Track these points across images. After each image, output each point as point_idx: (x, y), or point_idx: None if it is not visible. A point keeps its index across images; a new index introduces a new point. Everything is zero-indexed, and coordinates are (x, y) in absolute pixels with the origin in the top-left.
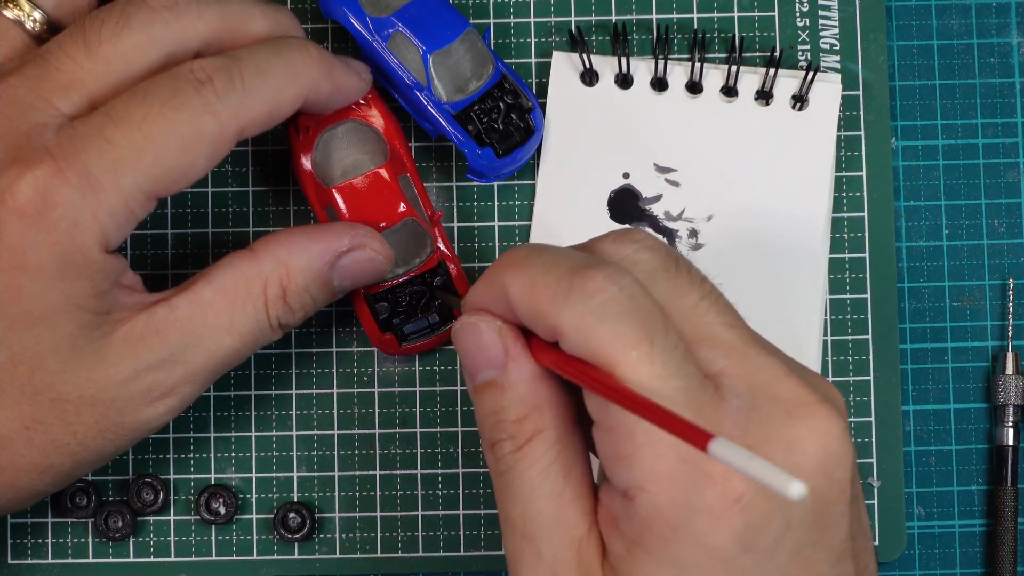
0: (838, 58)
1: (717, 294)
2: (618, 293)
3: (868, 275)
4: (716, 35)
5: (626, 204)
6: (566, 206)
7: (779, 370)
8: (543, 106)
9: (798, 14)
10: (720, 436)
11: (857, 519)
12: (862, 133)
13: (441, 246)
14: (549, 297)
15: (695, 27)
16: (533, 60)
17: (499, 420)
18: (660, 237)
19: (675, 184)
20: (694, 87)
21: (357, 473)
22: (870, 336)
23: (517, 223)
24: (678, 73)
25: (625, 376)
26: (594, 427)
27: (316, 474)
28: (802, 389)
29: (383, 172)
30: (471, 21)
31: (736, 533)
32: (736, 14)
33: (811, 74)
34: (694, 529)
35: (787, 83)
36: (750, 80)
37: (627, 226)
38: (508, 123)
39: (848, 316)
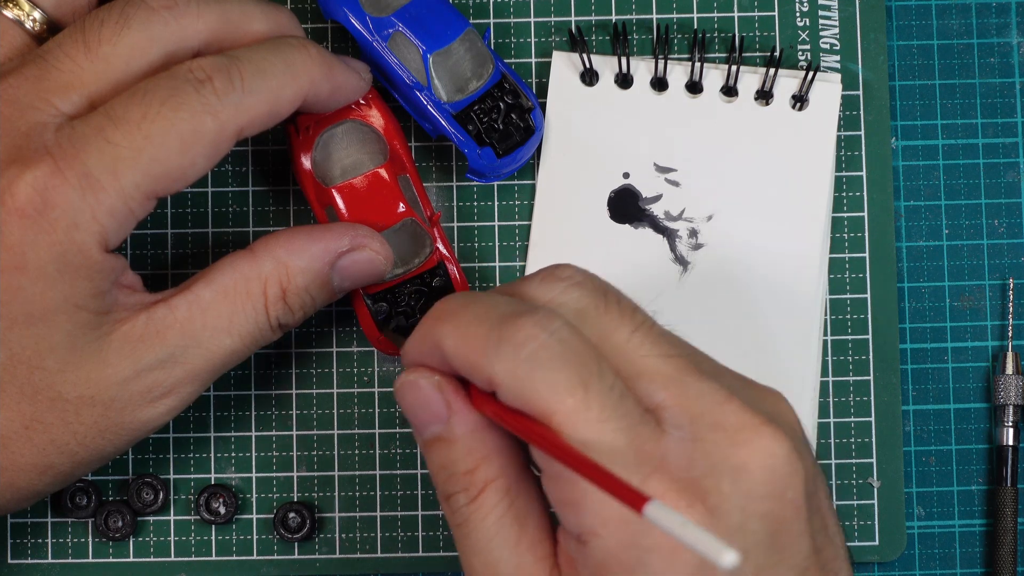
0: (838, 58)
1: (650, 324)
2: (548, 339)
3: (868, 275)
4: (716, 35)
5: (626, 204)
6: (566, 206)
7: (719, 395)
8: (543, 106)
9: (798, 14)
10: (669, 475)
11: (821, 531)
12: (862, 133)
13: (440, 247)
14: (481, 350)
15: (695, 27)
16: (533, 60)
17: (450, 474)
18: (661, 239)
19: (675, 184)
20: (694, 87)
21: (357, 473)
22: (870, 336)
23: (517, 223)
24: (678, 73)
25: (562, 425)
26: (542, 475)
27: (316, 474)
28: (743, 412)
29: (383, 172)
30: (471, 21)
31: (691, 568)
32: (736, 14)
33: (811, 74)
34: (648, 570)
35: (787, 83)
36: (750, 80)
37: (633, 231)
38: (508, 123)
39: (848, 316)
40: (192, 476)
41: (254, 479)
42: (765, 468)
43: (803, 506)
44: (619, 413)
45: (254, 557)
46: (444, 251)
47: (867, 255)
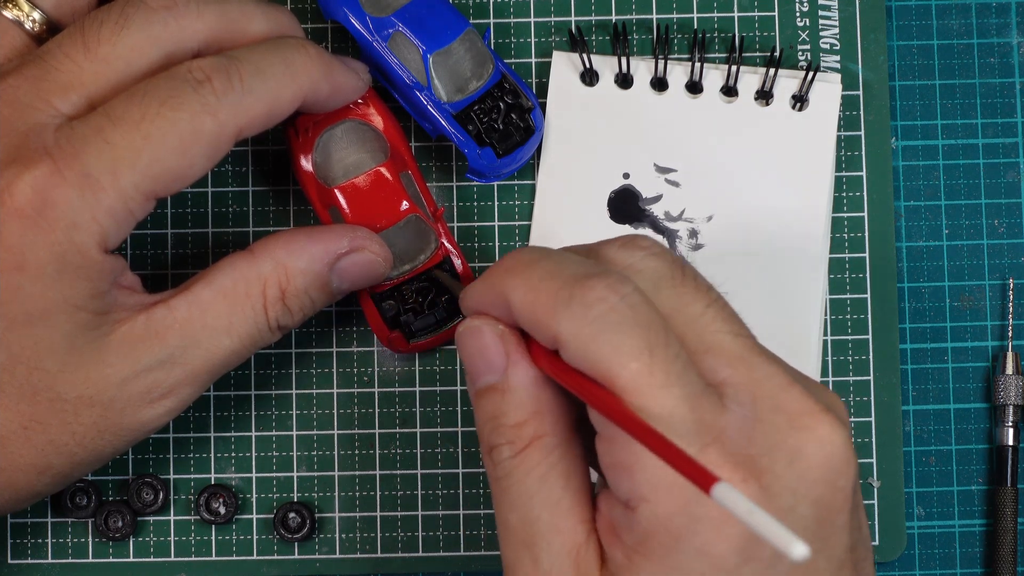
0: (838, 58)
1: (722, 303)
2: (619, 303)
3: (868, 275)
4: (716, 35)
5: (626, 204)
6: (566, 206)
7: (783, 379)
8: (543, 106)
9: (798, 14)
10: (727, 450)
11: (858, 529)
12: (862, 133)
13: (445, 242)
14: (550, 306)
15: (695, 27)
16: (533, 60)
17: (498, 424)
18: (662, 239)
19: (675, 184)
20: (694, 87)
21: (357, 473)
22: (870, 336)
23: (517, 223)
24: (678, 73)
25: (624, 389)
26: (596, 436)
27: (316, 474)
28: (806, 399)
29: (384, 170)
30: (471, 21)
31: (738, 543)
32: (736, 14)
33: (811, 74)
34: (696, 539)
35: (787, 83)
36: (750, 80)
37: (633, 231)
38: (508, 123)
39: (848, 316)
40: (192, 476)
41: (254, 479)
42: (822, 455)
43: (850, 499)
44: (682, 381)
45: (254, 557)
46: (449, 246)
47: (867, 255)
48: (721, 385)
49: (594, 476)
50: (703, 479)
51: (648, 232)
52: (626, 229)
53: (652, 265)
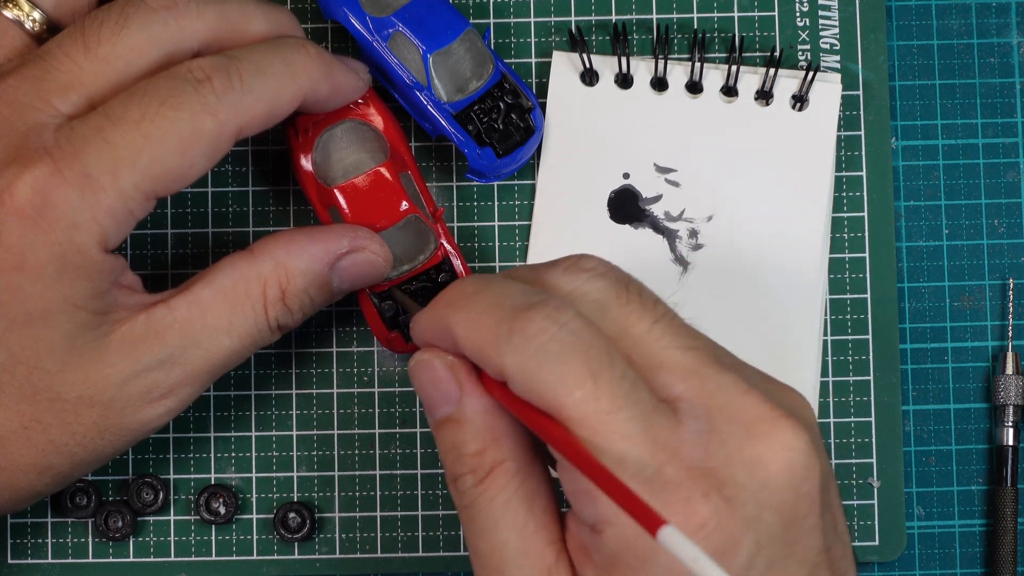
0: (838, 58)
1: (671, 316)
2: (558, 332)
3: (868, 275)
4: (716, 35)
5: (626, 204)
6: (566, 206)
7: (738, 387)
8: (543, 106)
9: (798, 14)
10: (686, 464)
11: (832, 528)
12: (862, 133)
13: (444, 242)
14: (492, 340)
15: (695, 27)
16: (533, 60)
17: (459, 455)
18: (662, 239)
19: (675, 184)
20: (694, 87)
21: (357, 473)
22: (870, 336)
23: (517, 223)
24: (678, 73)
25: (572, 418)
26: (557, 463)
27: (316, 474)
28: (762, 405)
29: (384, 170)
30: (471, 21)
31: None
32: (736, 14)
33: (811, 74)
34: (663, 558)
35: (787, 83)
36: (750, 80)
37: (633, 231)
38: (508, 123)
39: (848, 316)
40: (192, 476)
41: (254, 479)
42: (782, 461)
43: (817, 501)
44: (631, 402)
45: (254, 557)
46: (448, 246)
47: (867, 255)
48: (675, 400)
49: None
50: (650, 520)
51: (648, 232)
52: (626, 229)
53: (597, 287)
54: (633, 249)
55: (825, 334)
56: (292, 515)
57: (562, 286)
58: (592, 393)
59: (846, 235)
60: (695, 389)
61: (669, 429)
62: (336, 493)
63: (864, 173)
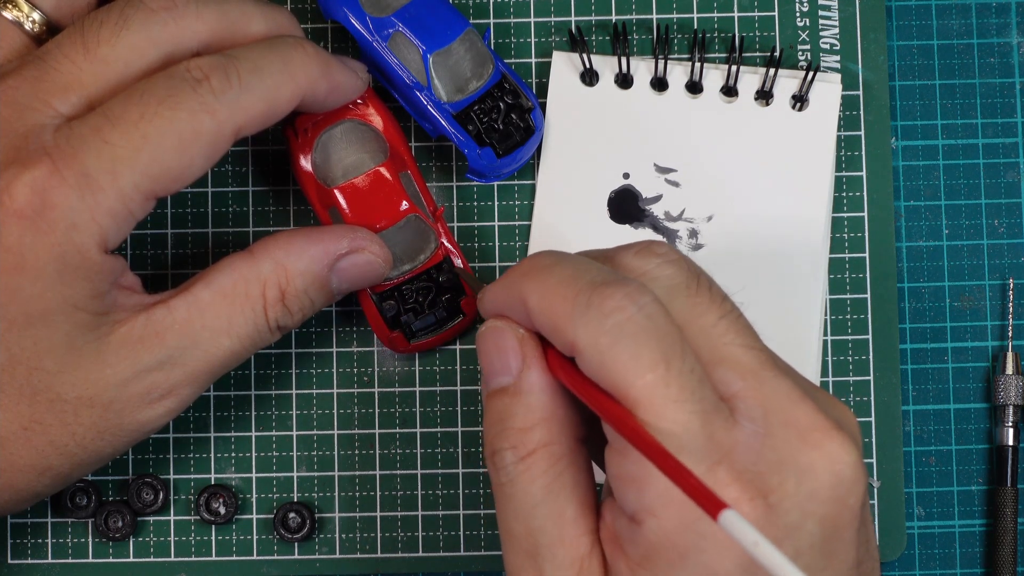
0: (838, 58)
1: (737, 314)
2: (636, 313)
3: (868, 275)
4: (716, 35)
5: (626, 204)
6: (566, 206)
7: (794, 393)
8: (543, 106)
9: (798, 14)
10: (737, 466)
11: (864, 544)
12: (862, 133)
13: (445, 242)
14: (567, 312)
15: (695, 27)
16: (533, 60)
17: (504, 427)
18: (662, 239)
19: (675, 184)
20: (694, 87)
21: (357, 473)
22: (870, 336)
23: (517, 223)
24: (678, 73)
25: (638, 399)
26: (607, 447)
27: (316, 474)
28: (816, 414)
29: (384, 170)
30: (471, 21)
31: (744, 561)
32: (736, 14)
33: (811, 74)
34: (702, 556)
35: (787, 83)
36: (750, 80)
37: (634, 231)
38: (508, 123)
39: (848, 316)
40: (192, 476)
41: (254, 479)
42: (832, 472)
43: (858, 515)
44: (696, 397)
45: (254, 557)
46: (449, 246)
47: (867, 255)
48: (733, 398)
49: (599, 476)
50: (711, 504)
51: (648, 232)
52: (626, 229)
53: (667, 273)
54: None
55: (825, 334)
56: (292, 515)
57: (633, 268)
58: (663, 379)
59: (846, 235)
60: (753, 389)
61: (725, 429)
62: (336, 493)
63: (864, 173)
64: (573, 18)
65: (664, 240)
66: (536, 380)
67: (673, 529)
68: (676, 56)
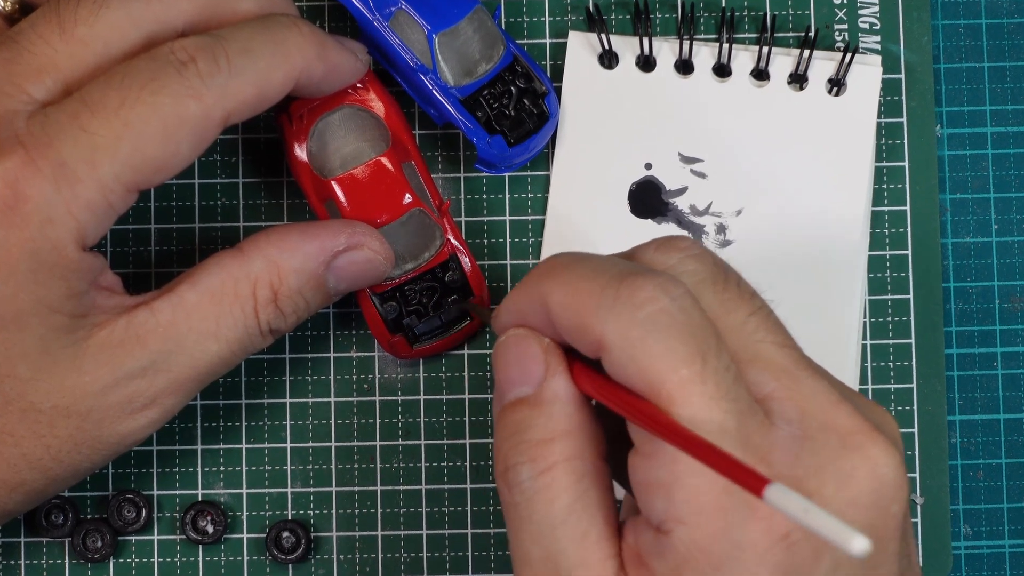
0: (878, 38)
1: (767, 311)
2: (669, 304)
3: (911, 274)
4: (746, 13)
5: (648, 197)
6: (583, 199)
7: (831, 395)
8: (558, 91)
9: None
10: (773, 471)
11: (907, 557)
12: (904, 120)
13: (451, 238)
14: (593, 306)
15: (723, 5)
16: (547, 41)
17: (520, 440)
18: (687, 235)
19: (701, 176)
20: (722, 70)
21: (356, 489)
22: (913, 340)
23: (530, 217)
24: (705, 55)
25: (673, 395)
26: (632, 452)
27: (312, 490)
28: (856, 417)
29: (385, 160)
30: None
31: (781, 572)
32: None
33: (849, 56)
34: (736, 567)
35: (823, 66)
36: (783, 62)
37: (656, 226)
38: (520, 109)
39: (889, 318)
40: (177, 492)
41: (244, 495)
42: (873, 478)
43: (901, 526)
44: (732, 395)
45: None
46: (455, 243)
47: (910, 252)
48: (767, 400)
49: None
50: (753, 481)
51: (672, 227)
52: (648, 224)
53: (691, 268)
54: None
55: (864, 338)
56: (286, 534)
57: (657, 263)
58: (699, 374)
59: (887, 231)
60: (788, 390)
61: (761, 431)
62: (334, 510)
63: (907, 163)
64: None
65: (687, 235)
66: (561, 389)
67: (705, 538)
68: (702, 36)
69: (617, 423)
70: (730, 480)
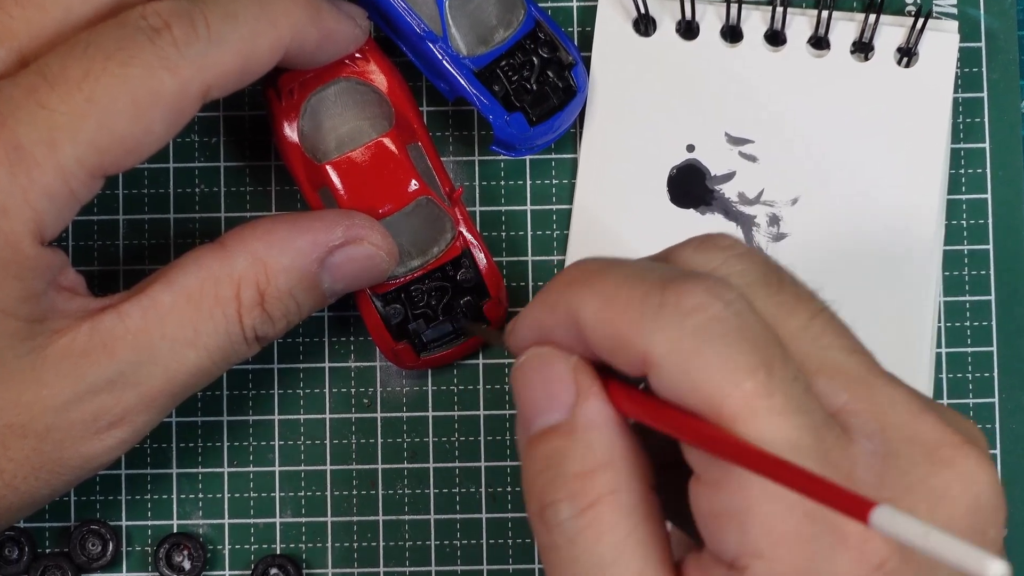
0: (955, 1)
1: (830, 313)
2: (723, 310)
3: (992, 272)
4: None
5: (690, 184)
6: (615, 186)
7: (912, 404)
8: (587, 61)
9: None
10: (879, 498)
11: None
12: (985, 95)
13: (464, 230)
14: (635, 317)
15: None
16: (575, 4)
17: (557, 474)
18: (735, 228)
19: (751, 159)
20: (775, 37)
21: (355, 519)
22: (994, 348)
23: (554, 207)
24: (755, 20)
25: (736, 412)
26: (693, 480)
27: (304, 520)
28: (943, 428)
29: (388, 142)
30: None
31: None
32: None
33: (921, 21)
34: None
35: (891, 32)
36: (845, 29)
37: (700, 217)
38: (543, 82)
39: (967, 323)
40: (149, 523)
41: (226, 526)
42: (969, 496)
43: (1000, 552)
44: (804, 408)
45: None
46: (469, 235)
47: (991, 247)
48: (841, 413)
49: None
50: (855, 506)
51: (718, 219)
52: (690, 214)
53: (739, 268)
54: None
55: (938, 345)
56: (274, 571)
57: (698, 265)
58: (764, 387)
59: (965, 222)
60: (864, 401)
61: (841, 448)
62: (329, 544)
63: (987, 145)
64: None
65: (726, 232)
66: (597, 413)
67: (788, 572)
68: None
69: (664, 448)
70: (824, 505)
